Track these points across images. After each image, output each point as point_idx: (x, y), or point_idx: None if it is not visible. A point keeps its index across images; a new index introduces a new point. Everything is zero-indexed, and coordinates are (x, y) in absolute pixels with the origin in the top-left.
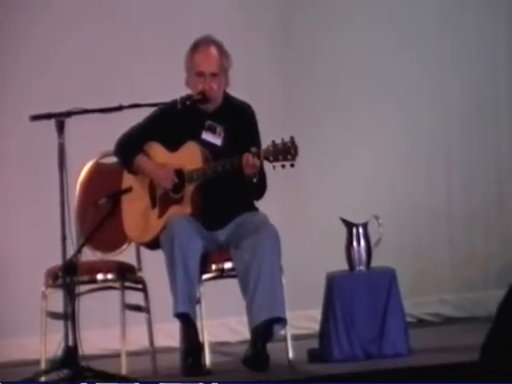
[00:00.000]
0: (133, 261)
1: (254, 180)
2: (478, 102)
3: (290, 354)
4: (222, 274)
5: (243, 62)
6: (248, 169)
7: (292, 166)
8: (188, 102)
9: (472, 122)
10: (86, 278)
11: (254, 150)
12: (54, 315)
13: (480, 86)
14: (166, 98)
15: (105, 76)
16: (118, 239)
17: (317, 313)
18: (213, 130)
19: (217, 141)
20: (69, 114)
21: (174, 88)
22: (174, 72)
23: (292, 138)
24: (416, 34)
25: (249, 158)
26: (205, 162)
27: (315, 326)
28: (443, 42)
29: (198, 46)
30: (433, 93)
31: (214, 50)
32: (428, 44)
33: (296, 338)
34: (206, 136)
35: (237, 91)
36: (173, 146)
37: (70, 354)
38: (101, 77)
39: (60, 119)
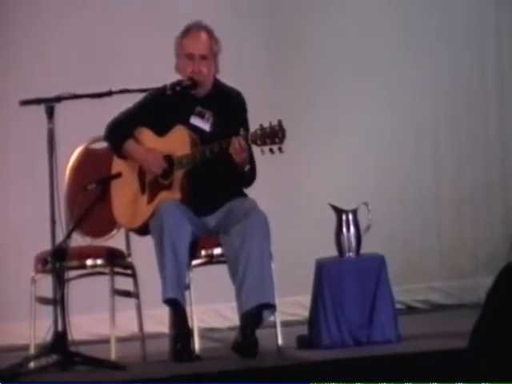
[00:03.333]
0: (122, 246)
1: (246, 168)
2: (467, 86)
3: (280, 340)
4: (211, 259)
5: (231, 46)
6: (237, 155)
7: (280, 150)
8: (178, 88)
9: (460, 109)
10: (75, 263)
11: (242, 133)
12: (43, 300)
13: (469, 67)
14: (157, 83)
15: (96, 62)
16: (108, 225)
17: (306, 299)
18: (202, 116)
19: (205, 126)
20: (58, 99)
21: (164, 74)
22: (164, 58)
23: (279, 122)
24: (404, 15)
25: (236, 143)
26: (193, 147)
27: (304, 313)
28: (431, 20)
29: (188, 31)
30: (420, 78)
31: (203, 34)
32: (416, 24)
33: (285, 324)
34: (195, 121)
35: (224, 76)
36: (162, 131)
37: (59, 340)
38: (92, 63)
39: (49, 104)
